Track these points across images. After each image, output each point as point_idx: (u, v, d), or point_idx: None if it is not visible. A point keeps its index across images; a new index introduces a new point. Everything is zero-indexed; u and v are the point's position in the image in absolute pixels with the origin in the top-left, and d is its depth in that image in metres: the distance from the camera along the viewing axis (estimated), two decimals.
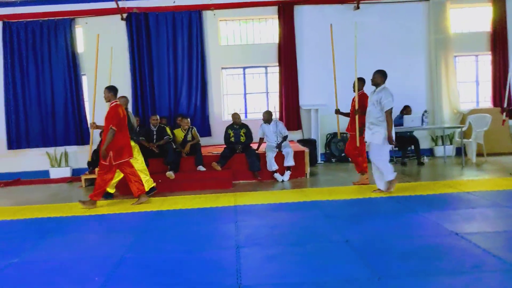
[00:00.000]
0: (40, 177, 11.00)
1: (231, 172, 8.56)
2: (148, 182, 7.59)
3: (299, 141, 10.79)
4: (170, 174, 8.31)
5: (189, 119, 9.17)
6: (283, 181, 8.62)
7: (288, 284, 3.51)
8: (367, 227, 5.04)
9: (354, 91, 7.61)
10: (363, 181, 7.65)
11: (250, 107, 11.73)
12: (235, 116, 8.94)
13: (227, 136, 8.94)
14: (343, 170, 9.80)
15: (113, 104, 6.85)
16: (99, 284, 3.69)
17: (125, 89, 11.01)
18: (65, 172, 11.03)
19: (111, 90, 6.90)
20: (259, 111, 11.43)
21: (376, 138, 6.62)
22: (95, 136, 10.55)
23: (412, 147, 10.46)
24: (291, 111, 11.22)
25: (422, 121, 10.49)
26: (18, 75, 10.96)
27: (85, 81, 11.27)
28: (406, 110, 10.40)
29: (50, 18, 10.91)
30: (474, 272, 3.56)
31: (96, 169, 9.11)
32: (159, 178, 8.34)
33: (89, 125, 7.09)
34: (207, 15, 11.16)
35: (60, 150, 11.19)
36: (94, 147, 10.06)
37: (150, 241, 4.98)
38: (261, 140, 9.12)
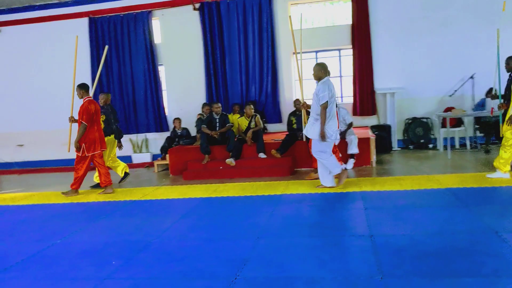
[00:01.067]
0: (124, 162, 11.65)
1: (291, 160, 8.44)
2: (124, 169, 8.30)
3: (373, 127, 10.34)
4: (230, 161, 8.40)
5: (251, 106, 9.13)
6: (346, 169, 8.30)
7: (286, 277, 3.39)
8: (402, 221, 4.71)
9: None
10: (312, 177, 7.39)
11: None
12: (297, 102, 8.77)
13: (289, 123, 8.81)
14: (417, 158, 9.23)
15: (86, 100, 7.29)
16: (114, 267, 3.86)
17: (200, 78, 11.34)
18: (146, 158, 11.59)
19: (82, 88, 7.36)
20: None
21: (315, 133, 6.30)
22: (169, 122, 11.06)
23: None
24: (365, 96, 10.77)
25: None
26: (103, 67, 11.65)
27: (162, 71, 11.71)
28: (491, 93, 9.49)
29: (129, 12, 11.47)
30: (489, 276, 3.17)
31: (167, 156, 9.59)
32: (220, 164, 8.48)
33: (68, 119, 7.54)
34: (278, 0, 11.02)
35: (141, 137, 11.80)
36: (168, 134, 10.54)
37: (183, 227, 5.08)
38: None
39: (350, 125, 8.50)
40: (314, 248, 4.06)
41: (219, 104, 9.07)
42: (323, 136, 6.23)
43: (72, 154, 7.66)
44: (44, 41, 11.92)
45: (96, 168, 7.64)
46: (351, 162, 8.38)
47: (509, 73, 6.60)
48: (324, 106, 6.18)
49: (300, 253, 3.93)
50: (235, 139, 8.77)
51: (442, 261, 3.50)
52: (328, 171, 6.54)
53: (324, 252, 3.92)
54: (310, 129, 6.44)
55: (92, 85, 11.56)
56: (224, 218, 5.33)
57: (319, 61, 11.20)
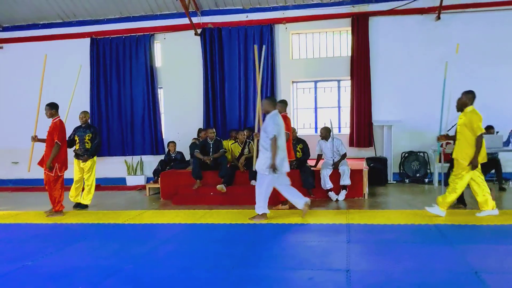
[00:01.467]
0: (118, 184, 11.62)
1: None
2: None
3: (369, 159, 10.25)
4: (221, 187, 8.31)
5: (245, 132, 9.09)
6: (337, 200, 8.22)
7: None
8: (382, 256, 4.61)
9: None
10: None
11: (321, 122, 11.39)
12: (292, 130, 8.72)
13: None
14: (411, 192, 9.09)
15: (57, 119, 7.45)
16: None
17: (198, 102, 11.35)
18: (140, 180, 11.54)
19: (53, 107, 7.51)
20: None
21: (260, 164, 6.43)
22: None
23: (494, 170, 9.40)
24: (362, 127, 10.72)
25: (509, 141, 9.48)
26: (102, 87, 11.77)
27: (161, 93, 11.74)
28: (488, 131, 9.39)
29: (132, 34, 11.57)
30: None
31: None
32: (212, 190, 8.40)
33: (30, 138, 7.57)
34: (279, 28, 11.13)
35: (136, 159, 11.76)
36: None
37: (160, 254, 4.97)
38: (319, 157, 8.79)
39: (343, 156, 8.45)
40: (286, 280, 3.95)
41: (213, 130, 9.05)
42: (273, 167, 6.25)
43: (33, 174, 7.86)
44: (42, 60, 11.95)
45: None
46: (343, 193, 8.29)
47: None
48: (274, 139, 6.23)
49: (272, 285, 3.82)
50: (228, 166, 8.71)
51: None
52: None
53: (295, 286, 3.81)
54: (257, 161, 6.52)
55: (90, 105, 11.74)
56: (204, 246, 5.22)
57: (318, 90, 11.26)
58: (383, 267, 4.25)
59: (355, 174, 8.38)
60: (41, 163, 7.49)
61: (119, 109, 11.73)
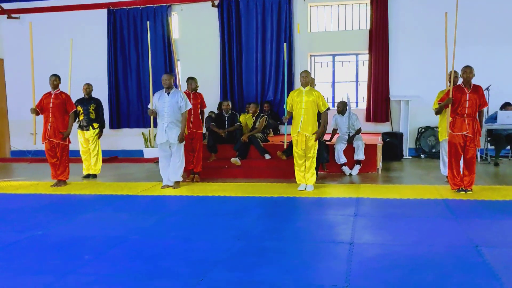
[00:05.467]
0: (135, 156, 11.78)
1: None
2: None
3: (385, 134, 10.17)
4: (235, 160, 8.38)
5: (255, 105, 9.08)
6: (351, 174, 8.23)
7: (249, 281, 3.36)
8: (385, 230, 4.65)
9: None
10: None
11: (338, 97, 11.29)
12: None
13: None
14: (426, 167, 9.03)
15: (60, 90, 7.74)
16: (81, 262, 3.87)
17: (215, 74, 11.34)
18: (157, 153, 11.63)
19: (60, 79, 7.84)
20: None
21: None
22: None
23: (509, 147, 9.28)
24: (379, 102, 10.61)
25: None
26: (120, 59, 11.84)
27: (178, 66, 11.75)
28: (506, 108, 9.22)
29: (149, 5, 11.55)
30: None
31: None
32: (226, 163, 8.47)
33: (31, 110, 7.74)
34: (297, 0, 10.94)
35: (155, 131, 11.84)
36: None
37: (166, 225, 5.08)
38: (334, 131, 8.78)
39: (358, 131, 8.43)
40: (288, 253, 4.01)
41: (229, 102, 9.07)
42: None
43: (38, 146, 8.11)
44: (62, 31, 12.05)
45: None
46: (357, 168, 8.29)
47: None
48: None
49: (272, 257, 3.89)
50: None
51: (409, 272, 3.43)
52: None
53: (296, 258, 3.87)
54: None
55: (108, 76, 11.85)
56: (210, 218, 5.31)
57: (336, 64, 11.15)
58: (384, 240, 4.31)
59: (369, 148, 8.35)
60: (49, 135, 7.56)
61: (138, 81, 11.80)
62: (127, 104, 11.97)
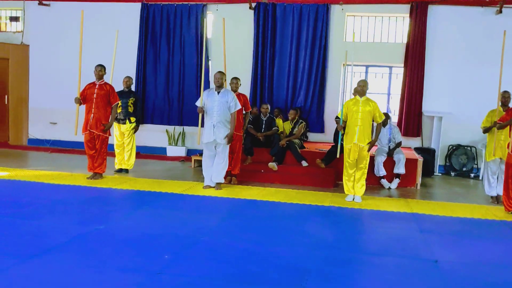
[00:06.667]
0: (157, 153, 11.59)
1: (334, 171, 8.25)
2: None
3: (416, 149, 10.10)
4: (273, 165, 8.26)
5: (295, 111, 8.98)
6: (390, 188, 8.13)
7: None
8: (464, 249, 4.53)
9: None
10: None
11: None
12: None
13: (336, 133, 8.62)
14: (460, 185, 8.98)
15: (104, 82, 7.54)
16: (165, 262, 3.72)
17: (246, 77, 11.20)
18: (181, 151, 11.49)
19: (105, 69, 7.61)
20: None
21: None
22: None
23: None
24: (411, 116, 10.53)
25: None
26: (151, 54, 11.66)
27: (211, 66, 11.61)
28: None
29: (184, 3, 11.41)
30: None
31: None
32: (262, 168, 8.34)
33: (75, 100, 7.47)
34: (335, 9, 10.86)
35: (178, 129, 11.71)
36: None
37: (231, 227, 4.96)
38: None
39: (399, 144, 8.35)
40: (376, 265, 3.89)
41: (268, 105, 8.94)
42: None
43: (79, 138, 7.81)
44: (93, 21, 11.85)
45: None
46: (396, 181, 8.19)
47: None
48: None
49: (362, 270, 3.78)
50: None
51: None
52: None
53: (387, 271, 3.75)
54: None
55: (137, 70, 11.67)
56: (273, 223, 5.19)
57: (369, 75, 11.07)
58: (469, 259, 4.21)
59: (409, 163, 8.27)
60: (90, 126, 7.36)
61: (167, 78, 11.62)
62: (153, 100, 11.78)
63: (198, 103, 7.09)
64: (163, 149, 11.69)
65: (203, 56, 11.06)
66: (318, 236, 4.70)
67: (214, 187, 7.09)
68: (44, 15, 12.22)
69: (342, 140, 6.86)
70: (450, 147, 10.40)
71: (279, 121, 9.34)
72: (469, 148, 10.22)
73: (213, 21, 11.55)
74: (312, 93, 10.91)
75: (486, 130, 7.09)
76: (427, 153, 9.91)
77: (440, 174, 10.27)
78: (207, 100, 7.01)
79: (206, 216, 5.37)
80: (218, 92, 6.96)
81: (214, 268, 3.62)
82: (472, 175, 10.11)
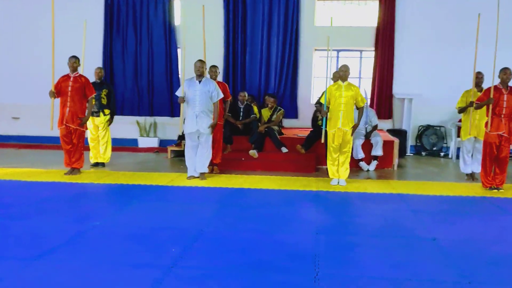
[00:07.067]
0: (128, 145, 11.38)
1: (315, 156, 8.34)
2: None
3: (389, 131, 10.32)
4: (253, 152, 8.26)
5: (274, 99, 8.99)
6: (368, 170, 8.29)
7: (368, 277, 3.30)
8: (456, 226, 4.70)
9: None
10: None
11: None
12: None
13: (314, 119, 8.71)
14: (433, 164, 9.26)
15: (79, 74, 7.25)
16: (175, 254, 3.68)
17: (218, 65, 11.05)
18: (153, 142, 11.33)
19: (79, 61, 7.30)
20: None
21: None
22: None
23: None
24: (383, 99, 10.76)
25: None
26: (117, 43, 11.38)
27: (180, 54, 11.44)
28: None
29: None
30: None
31: (183, 142, 9.39)
32: (242, 156, 8.33)
33: (49, 94, 7.01)
34: None
35: (149, 120, 11.52)
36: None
37: (228, 217, 4.94)
38: None
39: (375, 127, 8.50)
40: (379, 247, 3.97)
41: (245, 93, 8.91)
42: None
43: (46, 132, 7.55)
44: (50, 10, 11.40)
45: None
46: (374, 163, 8.36)
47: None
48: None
49: (370, 252, 3.85)
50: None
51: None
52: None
53: (392, 252, 3.85)
54: None
55: (103, 61, 11.37)
56: (268, 211, 5.20)
57: (340, 60, 11.17)
58: (466, 236, 4.35)
59: (386, 145, 8.45)
60: (66, 121, 7.11)
61: (135, 68, 11.38)
62: (122, 91, 11.50)
63: (179, 93, 6.98)
64: (134, 141, 11.50)
65: (172, 44, 11.03)
66: (316, 222, 4.74)
67: (198, 177, 7.04)
68: (5, 6, 11.73)
69: (325, 125, 6.91)
70: (420, 127, 10.69)
71: (255, 108, 9.32)
72: (438, 128, 10.52)
73: (181, 7, 11.33)
74: (285, 79, 10.95)
75: (462, 110, 7.29)
76: (399, 135, 10.13)
77: (412, 155, 10.55)
78: (188, 89, 6.91)
79: (199, 207, 5.33)
80: (200, 81, 6.87)
81: (226, 259, 3.61)
82: (442, 154, 10.43)
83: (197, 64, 6.89)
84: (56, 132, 9.49)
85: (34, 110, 11.86)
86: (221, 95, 7.02)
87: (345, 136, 6.70)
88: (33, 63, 11.67)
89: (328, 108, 6.82)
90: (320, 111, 7.02)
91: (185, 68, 7.75)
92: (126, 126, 11.61)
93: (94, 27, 11.20)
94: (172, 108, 11.36)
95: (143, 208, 5.28)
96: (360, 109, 6.87)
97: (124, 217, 4.89)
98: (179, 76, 11.33)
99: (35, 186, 6.37)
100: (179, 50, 11.44)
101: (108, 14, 11.31)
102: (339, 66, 11.21)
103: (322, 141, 6.87)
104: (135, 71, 11.41)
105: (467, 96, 7.21)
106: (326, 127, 6.91)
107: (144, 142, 11.40)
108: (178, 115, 11.15)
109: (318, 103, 7.68)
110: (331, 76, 8.02)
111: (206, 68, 7.14)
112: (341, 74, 6.76)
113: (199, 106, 6.81)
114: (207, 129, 6.84)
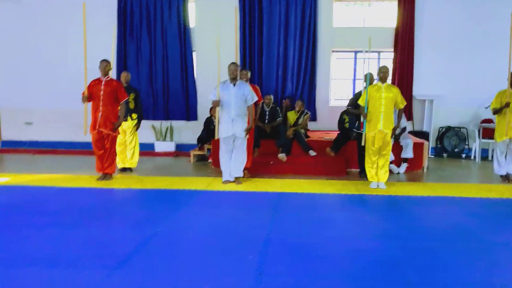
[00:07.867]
0: (143, 149, 11.15)
1: (344, 159, 8.22)
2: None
3: (410, 133, 10.24)
4: (282, 156, 8.12)
5: (302, 102, 8.90)
6: (398, 173, 8.20)
7: (464, 283, 3.18)
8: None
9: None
10: None
11: None
12: None
13: (341, 121, 8.60)
14: (458, 166, 9.20)
15: (110, 78, 7.15)
16: (254, 262, 3.54)
17: None
18: (170, 146, 11.14)
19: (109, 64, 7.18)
20: None
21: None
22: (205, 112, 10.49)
23: None
24: None
25: None
26: (131, 47, 11.19)
27: (195, 57, 11.28)
28: None
29: None
30: None
31: (205, 145, 9.25)
32: (271, 159, 8.19)
33: (82, 98, 6.87)
34: None
35: (165, 124, 11.34)
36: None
37: (287, 222, 4.77)
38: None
39: (404, 129, 8.40)
40: (463, 253, 3.85)
41: (271, 96, 8.80)
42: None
43: (87, 138, 7.27)
44: (66, 15, 11.24)
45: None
46: (404, 166, 8.27)
47: None
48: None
49: (450, 258, 3.73)
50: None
51: None
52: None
53: (478, 258, 3.74)
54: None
55: (117, 65, 11.16)
56: (322, 215, 5.07)
57: (358, 61, 11.09)
58: None
59: (416, 147, 8.35)
60: (99, 125, 6.95)
61: (150, 71, 11.20)
62: None
63: (214, 96, 6.82)
64: (150, 145, 11.30)
65: (187, 46, 10.86)
66: (377, 227, 4.63)
67: (233, 181, 6.89)
68: (10, 10, 11.58)
69: (362, 128, 6.80)
70: (440, 129, 10.62)
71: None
72: (459, 130, 10.47)
73: (195, 9, 11.18)
74: (303, 81, 10.84)
75: (497, 111, 7.21)
76: (421, 136, 10.08)
77: (433, 156, 10.48)
78: (223, 93, 6.78)
79: (252, 212, 5.18)
80: (234, 84, 6.73)
81: (308, 267, 3.46)
82: (463, 155, 10.37)
83: (231, 67, 6.76)
84: (69, 137, 9.35)
85: (46, 114, 11.67)
86: (256, 98, 6.89)
87: (385, 138, 6.59)
88: (45, 69, 11.48)
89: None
90: (361, 114, 6.86)
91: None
92: (142, 130, 11.21)
93: (107, 31, 10.98)
94: (188, 112, 11.20)
95: (194, 213, 5.13)
96: (400, 111, 6.78)
97: (181, 222, 4.73)
98: (194, 79, 11.18)
99: (74, 193, 6.22)
100: (194, 54, 11.28)
101: (122, 17, 11.12)
102: (355, 67, 11.25)
103: (362, 143, 6.74)
104: (150, 75, 11.23)
105: (502, 96, 7.15)
106: (360, 129, 6.80)
107: (161, 146, 11.21)
108: (194, 119, 11.07)
109: (351, 105, 7.56)
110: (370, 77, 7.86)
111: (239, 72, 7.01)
112: (381, 76, 6.65)
113: (234, 110, 6.67)
114: (242, 133, 6.70)
